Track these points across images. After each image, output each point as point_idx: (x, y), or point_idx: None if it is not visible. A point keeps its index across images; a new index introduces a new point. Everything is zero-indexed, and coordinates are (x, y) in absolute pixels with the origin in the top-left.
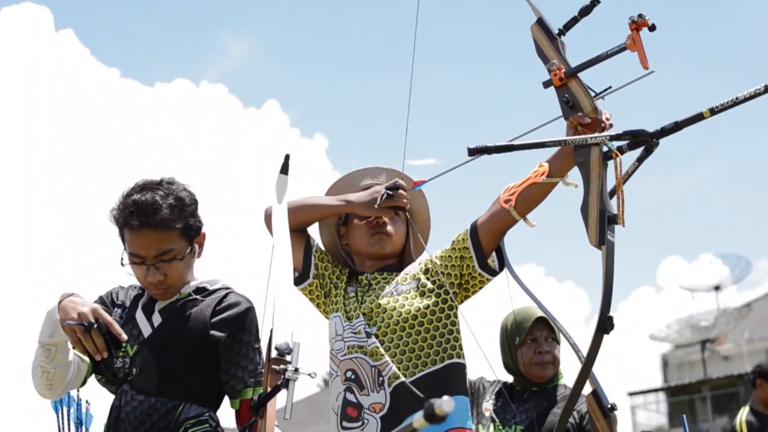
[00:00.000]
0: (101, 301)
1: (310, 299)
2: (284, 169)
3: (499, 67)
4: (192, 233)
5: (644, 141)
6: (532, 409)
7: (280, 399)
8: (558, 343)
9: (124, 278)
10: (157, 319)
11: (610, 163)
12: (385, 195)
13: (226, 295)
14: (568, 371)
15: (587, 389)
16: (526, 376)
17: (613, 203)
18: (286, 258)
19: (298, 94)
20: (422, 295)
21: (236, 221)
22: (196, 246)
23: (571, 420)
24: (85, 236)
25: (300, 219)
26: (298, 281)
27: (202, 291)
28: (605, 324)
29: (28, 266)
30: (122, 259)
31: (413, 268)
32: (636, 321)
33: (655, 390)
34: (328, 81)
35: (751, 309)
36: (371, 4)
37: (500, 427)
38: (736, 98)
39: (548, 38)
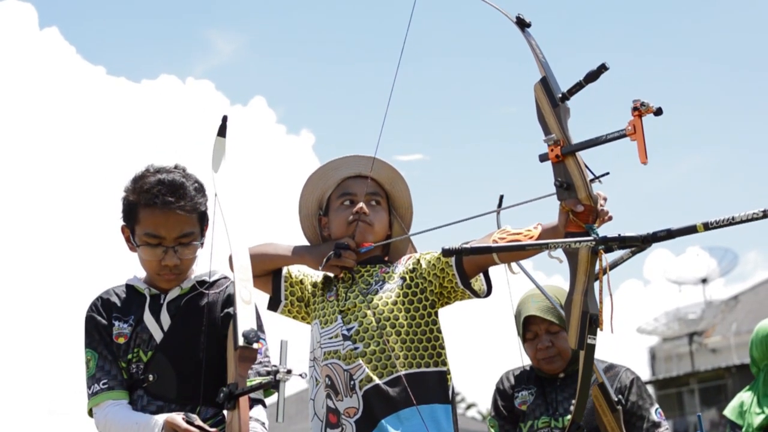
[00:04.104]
0: (95, 321)
1: (293, 318)
2: (222, 132)
3: (488, 61)
4: (205, 220)
5: (633, 245)
6: (572, 396)
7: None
8: (564, 327)
9: (108, 276)
10: (165, 319)
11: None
12: (332, 255)
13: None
14: None
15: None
16: (539, 369)
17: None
18: (242, 238)
19: (284, 90)
20: (405, 296)
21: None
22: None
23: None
24: (72, 231)
25: (259, 268)
26: (272, 306)
27: (202, 284)
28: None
29: (15, 263)
30: (135, 240)
31: (401, 266)
32: (623, 314)
33: (643, 383)
34: (314, 77)
35: (739, 301)
36: (358, 0)
37: (546, 420)
38: (732, 218)
39: (550, 103)
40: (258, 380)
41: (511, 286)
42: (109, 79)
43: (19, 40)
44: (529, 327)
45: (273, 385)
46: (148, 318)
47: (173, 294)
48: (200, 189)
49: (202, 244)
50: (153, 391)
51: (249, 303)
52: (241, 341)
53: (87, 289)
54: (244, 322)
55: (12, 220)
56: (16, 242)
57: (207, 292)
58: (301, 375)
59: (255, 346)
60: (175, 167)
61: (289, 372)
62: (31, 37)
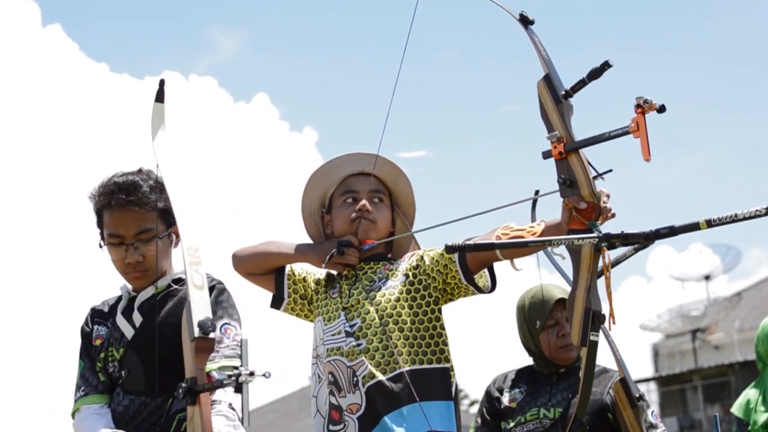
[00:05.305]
0: (83, 331)
1: (296, 315)
2: (159, 97)
3: (491, 58)
4: (170, 218)
5: (636, 242)
6: (566, 389)
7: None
8: None
9: (109, 276)
10: (137, 317)
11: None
12: (335, 252)
13: None
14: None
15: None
16: (551, 359)
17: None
18: (188, 216)
19: (287, 87)
20: (408, 293)
21: (225, 214)
22: (173, 235)
23: (608, 400)
24: (71, 231)
25: (262, 266)
26: (275, 304)
27: (179, 282)
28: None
29: (16, 263)
30: (101, 241)
31: (405, 263)
32: (626, 311)
33: (646, 380)
34: (317, 74)
35: (742, 298)
36: None
37: (535, 412)
38: (735, 215)
39: (553, 100)
40: (227, 373)
41: (514, 283)
42: (112, 75)
43: (21, 38)
44: (552, 314)
45: (236, 389)
46: (119, 317)
47: (148, 293)
48: (157, 187)
49: (173, 242)
50: (126, 386)
51: (201, 288)
52: (196, 332)
53: (88, 290)
54: (198, 310)
55: (13, 218)
56: (17, 241)
57: (180, 288)
58: (264, 375)
59: (212, 335)
60: (139, 171)
61: (251, 374)
62: (33, 35)
